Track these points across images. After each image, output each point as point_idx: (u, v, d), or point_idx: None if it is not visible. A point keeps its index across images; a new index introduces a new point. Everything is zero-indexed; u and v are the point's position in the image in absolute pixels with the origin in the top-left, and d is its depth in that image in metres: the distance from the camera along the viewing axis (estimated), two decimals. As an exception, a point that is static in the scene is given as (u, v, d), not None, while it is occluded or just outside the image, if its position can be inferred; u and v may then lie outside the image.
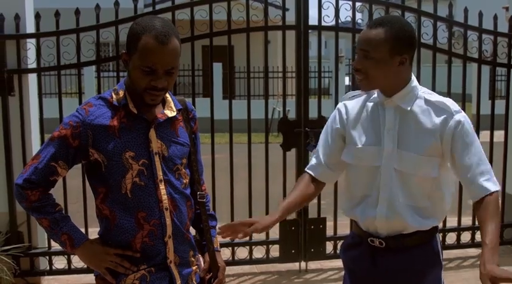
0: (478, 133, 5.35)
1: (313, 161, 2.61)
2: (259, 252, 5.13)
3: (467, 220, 5.59)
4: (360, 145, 2.42)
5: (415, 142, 2.32)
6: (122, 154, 2.15)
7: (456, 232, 5.47)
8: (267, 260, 5.12)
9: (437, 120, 2.31)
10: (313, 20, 4.89)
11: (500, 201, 2.37)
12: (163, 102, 2.27)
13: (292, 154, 5.02)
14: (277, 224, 4.83)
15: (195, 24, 4.79)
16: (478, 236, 5.50)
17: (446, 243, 5.39)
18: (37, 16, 4.64)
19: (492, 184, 2.28)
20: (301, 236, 5.06)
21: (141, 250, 2.18)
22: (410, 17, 5.12)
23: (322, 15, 4.91)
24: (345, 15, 4.95)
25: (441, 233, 5.21)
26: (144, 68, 2.07)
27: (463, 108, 5.28)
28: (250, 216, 4.99)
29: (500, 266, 2.05)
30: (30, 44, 4.65)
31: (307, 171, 2.59)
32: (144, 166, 2.17)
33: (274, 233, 5.12)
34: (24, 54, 4.62)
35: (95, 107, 2.19)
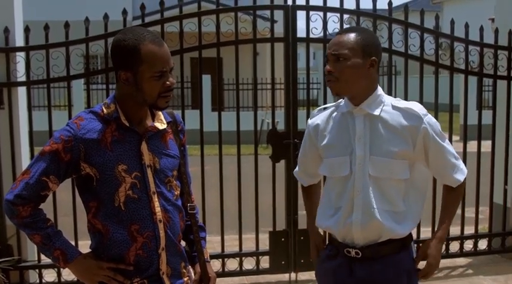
0: (465, 143, 5.45)
1: (297, 168, 2.80)
2: (249, 263, 5.12)
3: (455, 230, 5.64)
4: (330, 157, 2.50)
5: (386, 147, 2.40)
6: (114, 167, 2.15)
7: (445, 242, 5.50)
8: (257, 271, 5.12)
9: (407, 124, 2.40)
10: (302, 31, 4.95)
11: (463, 192, 2.65)
12: (153, 115, 2.29)
13: (281, 165, 5.05)
14: (267, 235, 4.95)
15: (184, 36, 4.82)
16: (466, 246, 5.56)
17: (450, 252, 5.44)
18: (26, 29, 4.65)
19: (460, 174, 2.51)
20: (291, 247, 5.06)
21: (135, 263, 2.19)
22: (397, 29, 5.19)
23: (310, 27, 4.96)
24: (333, 27, 5.00)
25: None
26: (156, 75, 2.11)
27: (450, 119, 5.37)
28: (240, 228, 5.01)
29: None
30: (20, 57, 4.66)
31: (299, 180, 2.81)
32: (136, 179, 2.18)
33: (264, 244, 5.13)
34: (14, 67, 4.63)
35: (86, 121, 2.19)
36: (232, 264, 5.10)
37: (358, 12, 5.01)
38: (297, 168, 2.81)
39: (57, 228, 2.26)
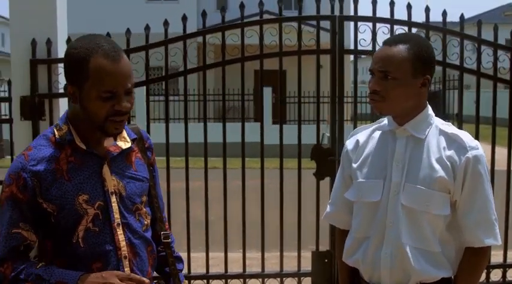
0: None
1: (328, 209, 2.43)
2: (290, 284, 4.93)
3: (497, 256, 5.15)
4: (361, 179, 2.21)
5: (425, 175, 2.09)
6: (74, 199, 1.88)
7: (502, 269, 5.11)
8: (298, 292, 4.91)
9: (450, 154, 2.09)
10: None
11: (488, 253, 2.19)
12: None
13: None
14: (310, 255, 4.73)
15: (226, 48, 4.68)
16: (510, 275, 5.14)
17: (490, 280, 5.04)
18: (68, 41, 4.62)
19: (490, 237, 2.09)
20: (334, 268, 4.83)
21: None
22: (452, 40, 4.89)
23: (359, 38, 4.73)
24: (383, 38, 4.73)
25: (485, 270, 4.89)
26: (103, 94, 1.83)
27: (510, 134, 4.99)
28: (281, 247, 4.81)
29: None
30: (61, 68, 4.63)
31: (332, 222, 2.47)
32: (99, 209, 1.91)
33: (307, 265, 4.92)
34: (55, 78, 4.60)
35: (34, 150, 1.91)
36: (272, 284, 4.92)
37: (410, 23, 4.74)
38: (328, 208, 2.46)
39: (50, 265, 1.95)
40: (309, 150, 4.74)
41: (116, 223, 1.94)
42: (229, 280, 4.82)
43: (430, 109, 2.19)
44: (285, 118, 17.42)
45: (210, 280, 4.79)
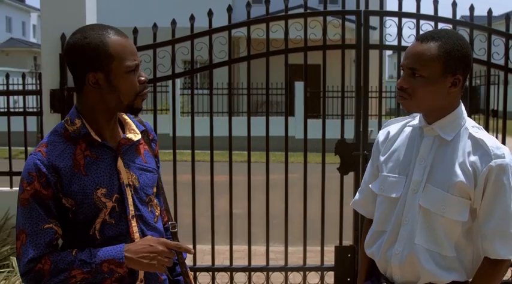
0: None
1: (356, 196, 2.43)
2: (313, 278, 4.94)
3: None
4: (385, 173, 2.18)
5: (445, 178, 2.04)
6: (93, 194, 1.89)
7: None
8: (321, 286, 4.93)
9: (474, 160, 2.03)
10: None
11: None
12: (122, 125, 2.06)
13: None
14: (333, 249, 4.75)
15: (251, 43, 4.72)
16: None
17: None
18: (97, 35, 4.69)
19: (501, 249, 2.02)
20: (358, 263, 4.83)
21: None
22: (480, 36, 4.84)
23: (384, 33, 4.71)
24: (408, 33, 4.71)
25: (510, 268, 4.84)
26: (130, 67, 1.90)
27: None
28: (304, 241, 4.82)
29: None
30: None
31: (359, 210, 2.46)
32: (116, 201, 1.93)
33: (330, 259, 4.93)
34: (84, 72, 4.68)
35: (50, 146, 1.90)
36: (296, 278, 4.94)
37: (436, 18, 4.70)
38: (356, 195, 2.45)
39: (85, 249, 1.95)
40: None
41: (130, 215, 1.96)
42: (252, 273, 4.86)
43: (462, 110, 2.11)
44: (318, 113, 17.40)
45: (234, 272, 4.84)
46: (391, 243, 2.14)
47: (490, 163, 2.00)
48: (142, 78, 1.95)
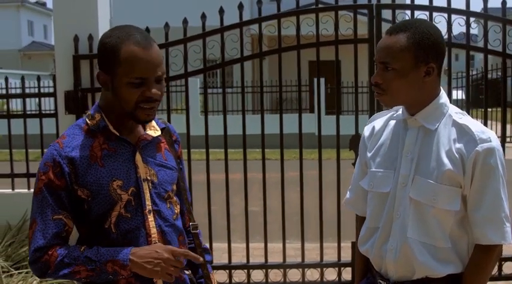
0: None
1: (347, 194, 2.39)
2: (330, 274, 4.92)
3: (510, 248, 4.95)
4: (373, 168, 2.15)
5: (433, 169, 2.00)
6: (108, 185, 1.90)
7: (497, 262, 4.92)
8: (338, 282, 4.90)
9: (460, 146, 1.99)
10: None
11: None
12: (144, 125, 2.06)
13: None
14: (350, 245, 4.72)
15: (263, 40, 4.71)
16: None
17: (503, 273, 4.79)
18: (109, 36, 4.72)
19: (498, 235, 1.98)
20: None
21: None
22: (494, 27, 4.77)
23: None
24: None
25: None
26: (133, 80, 1.85)
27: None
28: (321, 237, 4.81)
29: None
30: (103, 63, 4.74)
31: (351, 208, 2.39)
32: (132, 195, 1.93)
33: (347, 255, 4.91)
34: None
35: (68, 138, 1.94)
36: (313, 274, 4.92)
37: (449, 10, 4.64)
38: (347, 194, 2.41)
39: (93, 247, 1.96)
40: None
41: (147, 210, 1.95)
42: (269, 270, 4.86)
43: (443, 98, 2.08)
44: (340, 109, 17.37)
45: (251, 270, 4.84)
46: (384, 239, 2.10)
47: (476, 148, 1.96)
48: (149, 95, 1.89)
